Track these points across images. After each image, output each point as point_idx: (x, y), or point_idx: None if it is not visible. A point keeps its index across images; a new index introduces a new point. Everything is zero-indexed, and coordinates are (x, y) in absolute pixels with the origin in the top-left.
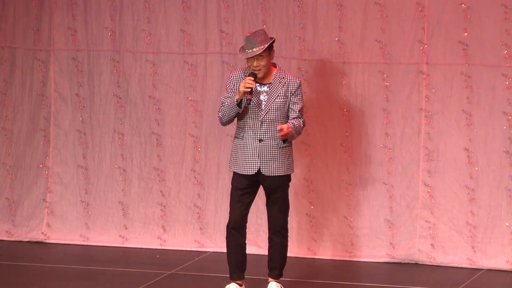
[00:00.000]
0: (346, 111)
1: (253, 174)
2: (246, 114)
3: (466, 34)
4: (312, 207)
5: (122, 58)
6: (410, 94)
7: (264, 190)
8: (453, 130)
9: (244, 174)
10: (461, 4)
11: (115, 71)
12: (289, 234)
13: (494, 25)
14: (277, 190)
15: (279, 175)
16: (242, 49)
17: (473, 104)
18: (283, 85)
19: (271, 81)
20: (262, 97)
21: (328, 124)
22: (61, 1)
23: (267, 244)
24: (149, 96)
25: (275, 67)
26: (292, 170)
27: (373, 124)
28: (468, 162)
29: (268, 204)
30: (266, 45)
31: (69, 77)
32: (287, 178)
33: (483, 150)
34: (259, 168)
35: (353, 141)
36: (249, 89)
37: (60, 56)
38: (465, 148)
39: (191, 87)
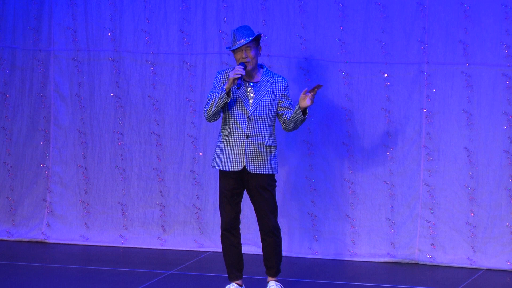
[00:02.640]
0: (347, 110)
1: (238, 172)
2: (234, 109)
3: (467, 33)
4: (313, 205)
5: (122, 58)
6: (411, 94)
7: (249, 192)
8: (454, 130)
9: (229, 172)
10: (462, 4)
11: (114, 71)
12: (290, 232)
13: (495, 25)
14: (263, 190)
15: (263, 174)
16: (230, 46)
17: (474, 104)
18: (271, 84)
19: (259, 79)
20: (250, 92)
21: (330, 123)
22: (61, 1)
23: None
24: (149, 96)
25: (262, 67)
26: (276, 171)
27: (374, 124)
28: (469, 162)
29: (256, 206)
30: (254, 36)
31: (69, 77)
32: (271, 179)
33: (483, 150)
34: (245, 165)
35: (355, 140)
36: (239, 76)
37: (60, 56)
38: (466, 148)
39: (190, 87)
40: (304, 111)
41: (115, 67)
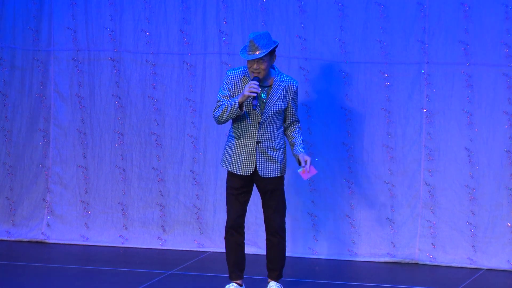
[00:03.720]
0: (347, 111)
1: (248, 175)
2: (245, 115)
3: (467, 33)
4: (313, 205)
5: (122, 58)
6: (411, 94)
7: (259, 191)
8: (454, 130)
9: (239, 175)
10: (462, 4)
11: (115, 71)
12: (290, 232)
13: (495, 25)
14: (273, 192)
15: (274, 177)
16: (244, 49)
17: (474, 104)
18: (283, 88)
19: (270, 83)
20: (263, 99)
21: (330, 123)
22: (61, 1)
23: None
24: (149, 96)
25: (274, 68)
26: (285, 171)
27: (374, 124)
28: (469, 162)
29: (264, 206)
30: (269, 50)
31: (69, 77)
32: (281, 180)
33: (483, 150)
34: (255, 169)
35: (355, 140)
36: (254, 94)
37: (60, 56)
38: (466, 148)
39: (190, 87)
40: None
41: (115, 67)
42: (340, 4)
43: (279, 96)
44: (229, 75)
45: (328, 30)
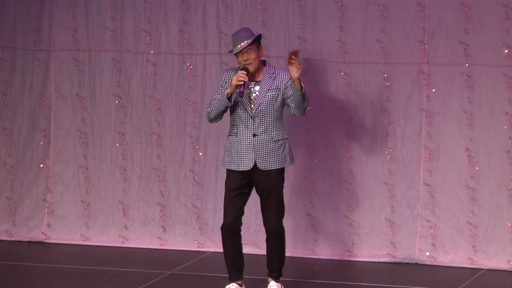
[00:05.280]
0: (347, 111)
1: (247, 172)
2: (238, 109)
3: (467, 34)
4: (312, 206)
5: (123, 58)
6: (410, 94)
7: (257, 192)
8: (454, 130)
9: (238, 172)
10: (462, 4)
11: (115, 71)
12: (289, 233)
13: (495, 25)
14: (271, 191)
15: (274, 169)
16: (231, 50)
17: (474, 104)
18: (274, 79)
19: (261, 78)
20: (253, 93)
21: (329, 124)
22: (61, 1)
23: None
24: (149, 96)
25: (265, 65)
26: (288, 163)
27: (374, 124)
28: (469, 162)
29: (263, 208)
30: (252, 39)
31: (69, 77)
32: (281, 177)
33: (484, 150)
34: (255, 164)
35: (354, 140)
36: (242, 82)
37: (61, 56)
38: (466, 148)
39: (190, 87)
40: (299, 84)
41: (115, 67)
42: (339, 4)
43: (270, 87)
44: (222, 76)
45: (327, 30)
